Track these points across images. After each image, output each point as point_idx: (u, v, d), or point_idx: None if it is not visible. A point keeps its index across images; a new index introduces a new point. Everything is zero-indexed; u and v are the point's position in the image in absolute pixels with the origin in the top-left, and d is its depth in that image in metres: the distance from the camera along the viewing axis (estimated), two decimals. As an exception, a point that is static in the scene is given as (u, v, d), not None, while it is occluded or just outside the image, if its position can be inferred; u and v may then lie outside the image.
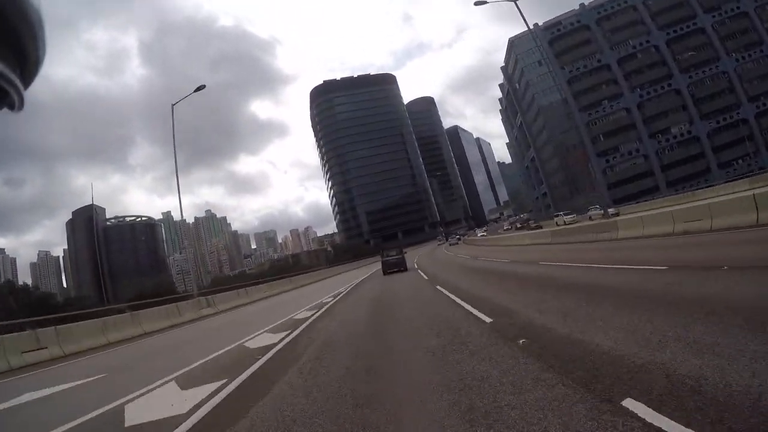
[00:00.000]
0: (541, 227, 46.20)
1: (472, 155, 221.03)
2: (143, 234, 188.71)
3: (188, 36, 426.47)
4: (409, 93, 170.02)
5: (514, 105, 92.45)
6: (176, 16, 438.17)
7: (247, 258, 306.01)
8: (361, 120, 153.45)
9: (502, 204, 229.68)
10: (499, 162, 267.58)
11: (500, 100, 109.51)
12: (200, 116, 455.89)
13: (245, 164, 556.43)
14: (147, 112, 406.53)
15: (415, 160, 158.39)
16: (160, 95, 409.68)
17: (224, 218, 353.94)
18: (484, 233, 70.84)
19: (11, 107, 0.98)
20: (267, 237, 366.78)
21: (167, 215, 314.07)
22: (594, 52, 77.15)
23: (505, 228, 76.81)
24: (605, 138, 74.15)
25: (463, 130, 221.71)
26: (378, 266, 29.83)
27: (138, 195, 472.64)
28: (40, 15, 0.89)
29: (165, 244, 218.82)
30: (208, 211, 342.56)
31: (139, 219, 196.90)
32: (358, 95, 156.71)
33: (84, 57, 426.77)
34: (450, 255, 37.20)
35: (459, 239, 78.83)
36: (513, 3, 24.47)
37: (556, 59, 77.70)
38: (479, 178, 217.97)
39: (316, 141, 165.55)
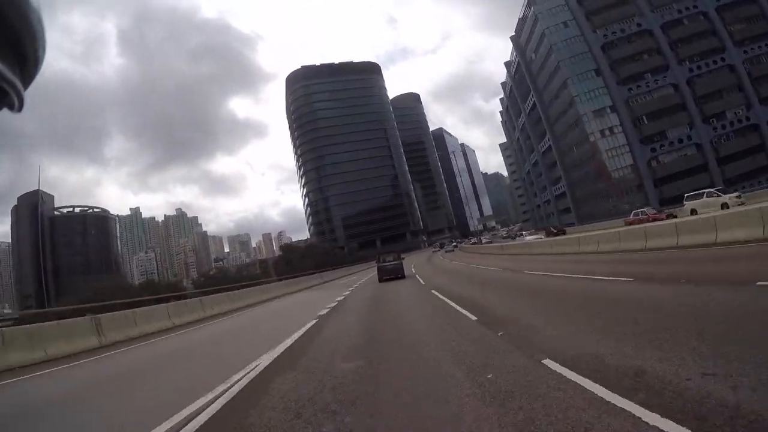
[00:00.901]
0: (674, 215, 25.89)
1: (458, 162, 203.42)
2: (93, 227, 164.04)
3: (169, 26, 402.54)
4: (392, 95, 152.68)
5: (526, 83, 74.45)
6: (157, 4, 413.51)
7: (218, 262, 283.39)
8: (340, 111, 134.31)
9: (485, 216, 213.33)
10: (483, 173, 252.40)
11: (503, 84, 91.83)
12: (178, 110, 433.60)
13: (222, 164, 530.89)
14: (123, 103, 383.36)
15: (398, 160, 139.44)
16: (137, 87, 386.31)
17: (195, 218, 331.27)
18: (529, 236, 46.99)
19: (11, 107, 0.94)
20: (240, 240, 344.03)
21: (135, 211, 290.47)
22: (633, 14, 60.24)
23: (516, 236, 57.55)
24: (649, 120, 56.60)
25: (449, 134, 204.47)
26: (360, 286, 22.43)
27: (112, 189, 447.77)
28: (39, 15, 0.87)
29: (119, 241, 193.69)
30: (178, 210, 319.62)
31: (91, 210, 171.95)
32: (338, 83, 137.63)
33: (60, 40, 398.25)
34: (508, 275, 17.09)
35: (455, 246, 76.67)
36: None
37: (586, 21, 60.36)
38: (463, 187, 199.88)
39: (291, 134, 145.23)
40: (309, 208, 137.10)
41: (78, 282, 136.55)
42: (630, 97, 57.19)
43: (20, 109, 0.94)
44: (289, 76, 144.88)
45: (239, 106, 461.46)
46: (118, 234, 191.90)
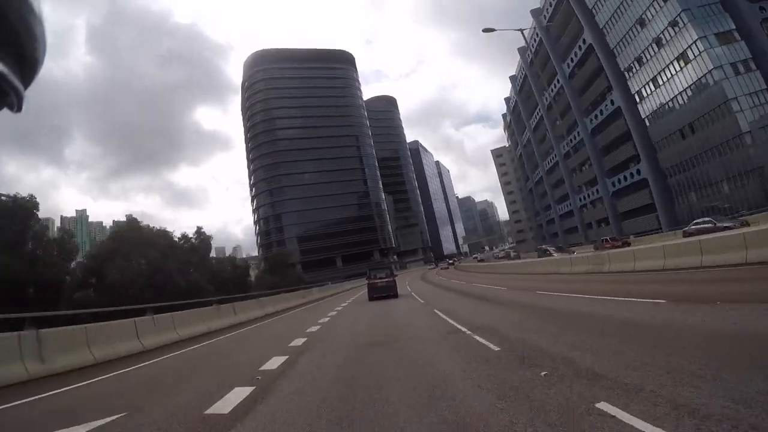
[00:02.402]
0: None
1: (433, 180, 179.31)
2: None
3: (140, 28, 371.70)
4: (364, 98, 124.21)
5: (570, 27, 50.29)
6: (130, 4, 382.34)
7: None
8: (304, 102, 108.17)
9: (461, 240, 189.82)
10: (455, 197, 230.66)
11: (520, 49, 67.65)
12: (144, 116, 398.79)
13: (186, 175, 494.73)
14: (88, 103, 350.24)
15: (369, 167, 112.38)
16: (103, 87, 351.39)
17: (147, 226, 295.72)
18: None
19: (10, 108, 0.90)
20: None
21: (81, 214, 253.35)
22: None
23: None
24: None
25: (424, 149, 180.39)
26: None
27: (70, 194, 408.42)
28: (40, 16, 0.84)
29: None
30: (128, 216, 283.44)
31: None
32: (303, 71, 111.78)
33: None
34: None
35: (451, 263, 76.77)
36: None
37: None
38: (437, 207, 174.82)
39: (244, 130, 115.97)
40: (256, 214, 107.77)
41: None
42: (764, 19, 33.66)
43: (19, 109, 0.90)
44: (247, 59, 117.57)
45: (207, 116, 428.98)
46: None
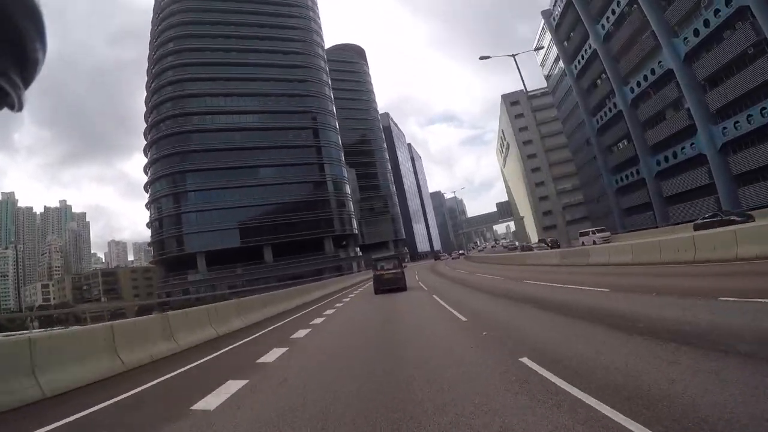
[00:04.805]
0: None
1: (405, 164, 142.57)
2: None
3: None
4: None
5: None
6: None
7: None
8: (231, 19, 70.35)
9: (432, 237, 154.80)
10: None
11: None
12: (95, 100, 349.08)
13: (141, 165, 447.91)
14: (35, 84, 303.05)
15: (324, 118, 74.74)
16: (51, 64, 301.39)
17: (83, 214, 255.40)
18: None
19: (11, 108, 0.89)
20: (146, 249, 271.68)
21: (8, 197, 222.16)
22: None
23: None
24: None
25: (396, 125, 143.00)
26: None
27: (20, 181, 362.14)
28: (41, 16, 0.82)
29: None
30: (62, 201, 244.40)
31: None
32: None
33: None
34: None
35: (462, 254, 75.92)
36: None
37: None
38: (409, 193, 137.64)
39: (147, 73, 75.00)
40: (153, 187, 67.49)
41: None
42: None
43: (20, 108, 0.87)
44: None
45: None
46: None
